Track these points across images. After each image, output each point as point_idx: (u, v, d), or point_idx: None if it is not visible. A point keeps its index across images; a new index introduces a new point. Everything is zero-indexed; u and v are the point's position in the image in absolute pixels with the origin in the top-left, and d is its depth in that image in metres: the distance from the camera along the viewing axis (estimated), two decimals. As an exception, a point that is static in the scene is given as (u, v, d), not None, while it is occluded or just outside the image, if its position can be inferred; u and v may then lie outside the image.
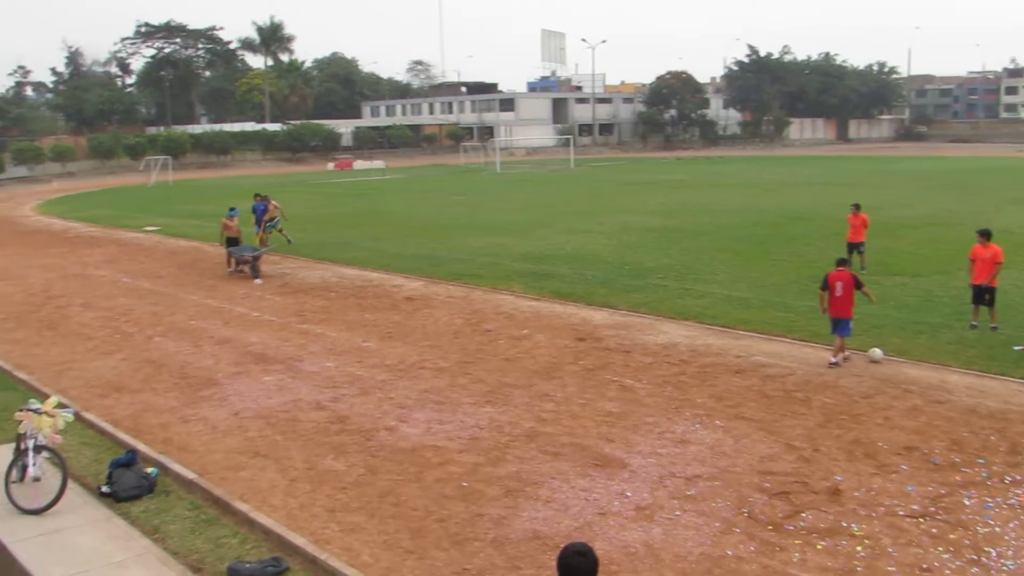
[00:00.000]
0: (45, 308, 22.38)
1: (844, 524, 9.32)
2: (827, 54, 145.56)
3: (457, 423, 12.75)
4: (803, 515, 9.54)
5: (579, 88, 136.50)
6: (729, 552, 8.79)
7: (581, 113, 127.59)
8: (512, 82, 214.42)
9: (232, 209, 27.82)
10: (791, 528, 9.26)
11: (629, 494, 10.14)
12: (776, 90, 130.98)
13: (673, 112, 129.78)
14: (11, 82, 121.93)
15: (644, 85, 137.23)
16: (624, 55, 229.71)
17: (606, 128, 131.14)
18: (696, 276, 23.43)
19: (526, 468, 11.00)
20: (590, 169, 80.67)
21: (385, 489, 10.54)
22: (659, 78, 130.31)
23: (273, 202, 30.17)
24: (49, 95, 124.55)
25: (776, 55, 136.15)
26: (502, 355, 16.51)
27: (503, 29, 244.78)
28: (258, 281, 24.63)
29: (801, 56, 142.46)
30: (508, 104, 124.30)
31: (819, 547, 8.85)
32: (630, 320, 18.94)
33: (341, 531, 9.50)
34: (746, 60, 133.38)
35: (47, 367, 16.79)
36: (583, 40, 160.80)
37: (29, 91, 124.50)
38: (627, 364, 15.57)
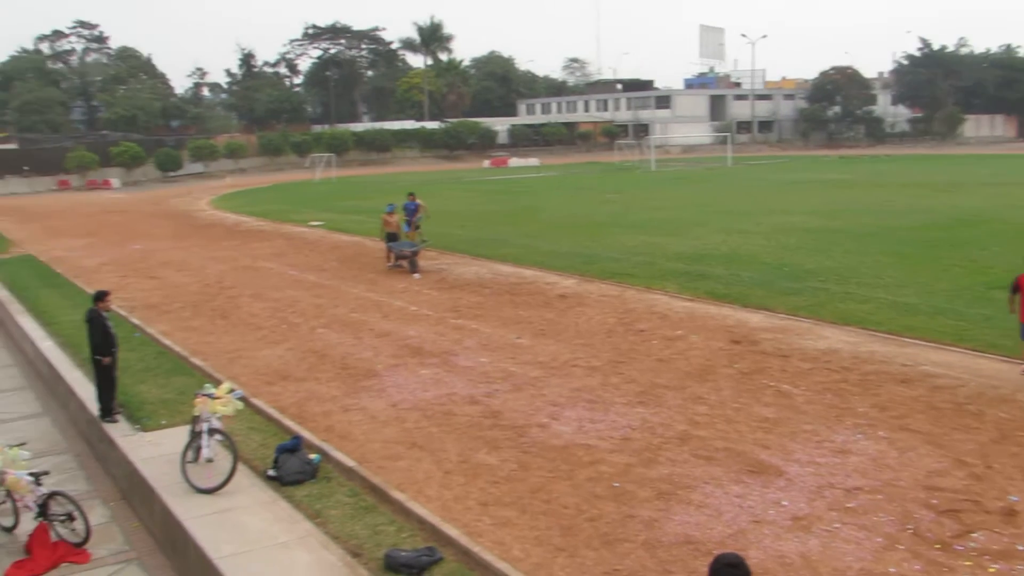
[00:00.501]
0: (218, 298, 23.60)
1: (1020, 548, 8.80)
2: (1008, 46, 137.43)
3: (609, 423, 12.72)
4: (974, 535, 9.07)
5: (738, 84, 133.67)
6: (892, 569, 8.44)
7: (739, 110, 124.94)
8: (668, 79, 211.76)
9: (390, 205, 28.67)
10: (960, 548, 8.82)
11: (785, 503, 9.88)
12: (950, 85, 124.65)
13: (837, 109, 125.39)
14: (189, 83, 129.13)
15: (806, 81, 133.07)
16: (785, 50, 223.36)
17: (765, 125, 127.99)
18: (859, 280, 22.59)
19: (678, 471, 10.87)
20: (748, 167, 78.94)
21: (537, 485, 10.62)
22: (822, 74, 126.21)
23: (420, 201, 30.96)
24: (223, 95, 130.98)
25: (951, 48, 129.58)
26: (655, 356, 16.37)
27: (660, 25, 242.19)
28: (416, 276, 25.25)
29: (979, 48, 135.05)
30: (664, 101, 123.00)
31: (991, 570, 8.40)
32: (788, 324, 18.44)
33: (493, 525, 9.63)
34: (917, 54, 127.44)
35: (220, 354, 17.66)
36: (743, 36, 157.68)
37: (205, 92, 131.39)
38: (784, 369, 15.17)
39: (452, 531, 9.44)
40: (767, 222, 34.88)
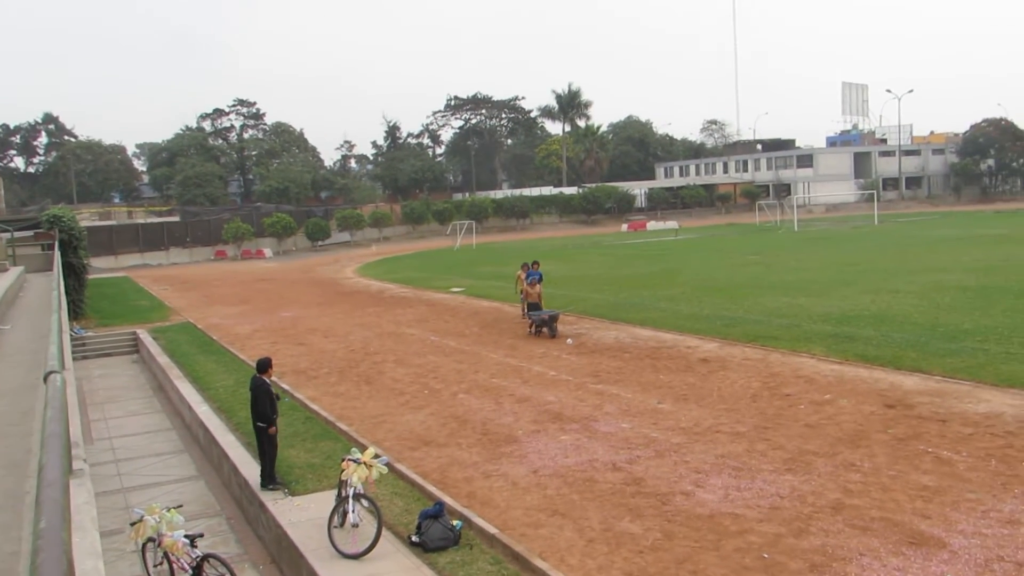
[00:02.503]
0: (363, 364, 24.17)
1: None
2: None
3: (756, 490, 12.31)
4: None
5: (883, 140, 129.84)
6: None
7: (885, 166, 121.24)
8: (810, 137, 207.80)
9: (532, 272, 28.94)
10: None
11: (950, 578, 9.29)
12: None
13: (991, 162, 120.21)
14: (338, 155, 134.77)
15: (957, 135, 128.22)
16: (933, 103, 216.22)
17: (914, 181, 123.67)
18: (1022, 339, 21.33)
19: (832, 542, 10.39)
20: (896, 225, 76.28)
21: (683, 556, 10.33)
22: (974, 126, 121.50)
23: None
24: (369, 166, 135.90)
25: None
26: (803, 421, 15.82)
27: (800, 85, 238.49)
28: (569, 341, 25.25)
29: None
30: (806, 160, 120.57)
31: None
32: (945, 387, 17.53)
33: (638, 596, 9.38)
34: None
35: (365, 419, 17.98)
36: (888, 91, 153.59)
37: (353, 163, 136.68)
38: (943, 434, 14.40)
39: (595, 601, 9.23)
40: (919, 280, 33.48)
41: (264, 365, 14.01)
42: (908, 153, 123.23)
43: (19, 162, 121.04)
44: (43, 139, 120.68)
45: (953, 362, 19.33)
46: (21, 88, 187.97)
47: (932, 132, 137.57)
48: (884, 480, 12.41)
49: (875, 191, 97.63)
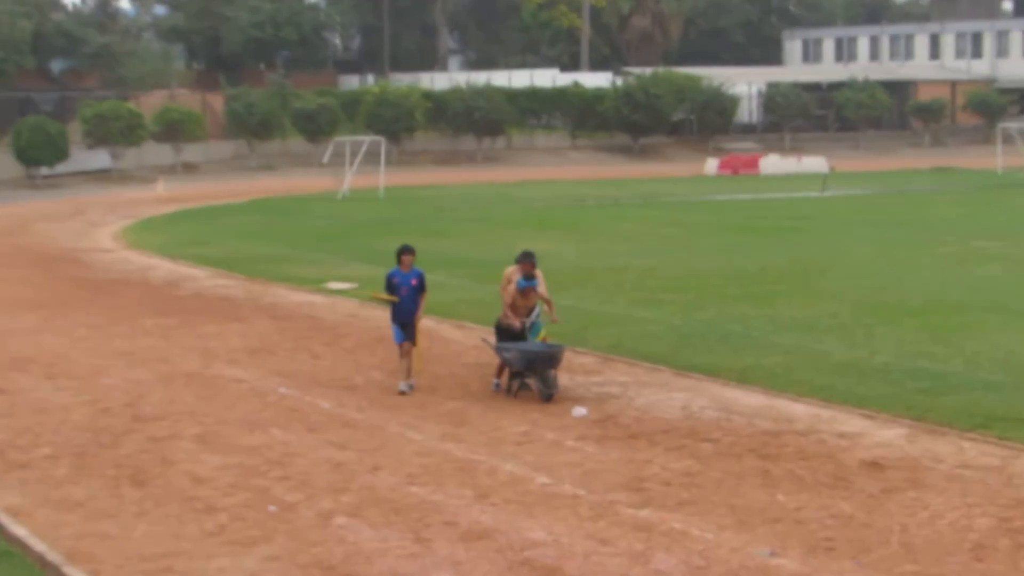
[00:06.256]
0: (129, 440, 13.16)
1: None
2: None
3: None
4: None
5: None
6: None
7: None
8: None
9: (529, 279, 16.66)
10: None
11: None
12: None
13: None
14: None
15: None
16: None
17: None
18: None
19: None
20: None
21: None
22: None
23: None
24: (160, 8, 75.32)
25: None
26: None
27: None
28: (580, 411, 14.03)
29: None
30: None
31: None
32: None
33: None
34: None
35: (128, 562, 9.91)
36: None
37: (123, 3, 76.01)
38: None
39: None
40: None
41: None
42: None
43: None
44: None
45: None
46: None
47: None
48: None
49: None
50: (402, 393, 14.78)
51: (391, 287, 15.08)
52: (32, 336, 19.92)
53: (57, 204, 45.05)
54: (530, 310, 15.26)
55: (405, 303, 14.86)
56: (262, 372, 16.70)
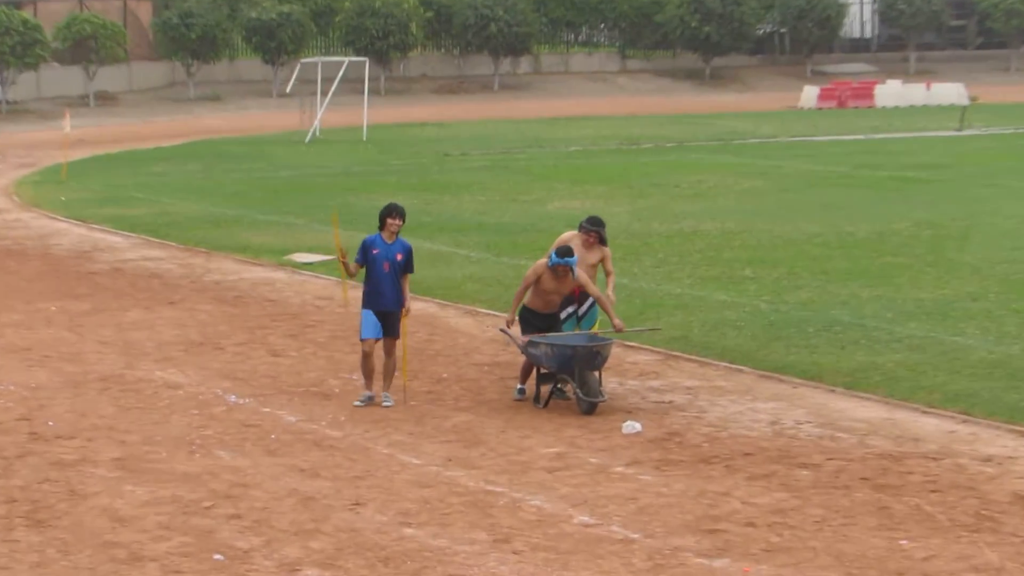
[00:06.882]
0: (25, 466, 11.47)
1: None
2: None
3: None
4: None
5: None
6: None
7: None
8: None
9: (565, 255, 14.02)
10: None
11: None
12: None
13: None
14: None
15: None
16: None
17: None
18: None
19: None
20: None
21: None
22: None
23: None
24: None
25: None
26: None
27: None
28: (632, 426, 11.87)
29: None
30: None
31: None
32: None
33: None
34: None
35: None
36: None
37: None
38: None
39: None
40: None
41: None
42: None
43: None
44: None
45: None
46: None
47: None
48: None
49: None
50: (359, 405, 12.07)
51: (368, 260, 11.96)
52: None
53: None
54: (573, 298, 12.59)
55: (385, 284, 11.89)
56: (205, 375, 14.39)
